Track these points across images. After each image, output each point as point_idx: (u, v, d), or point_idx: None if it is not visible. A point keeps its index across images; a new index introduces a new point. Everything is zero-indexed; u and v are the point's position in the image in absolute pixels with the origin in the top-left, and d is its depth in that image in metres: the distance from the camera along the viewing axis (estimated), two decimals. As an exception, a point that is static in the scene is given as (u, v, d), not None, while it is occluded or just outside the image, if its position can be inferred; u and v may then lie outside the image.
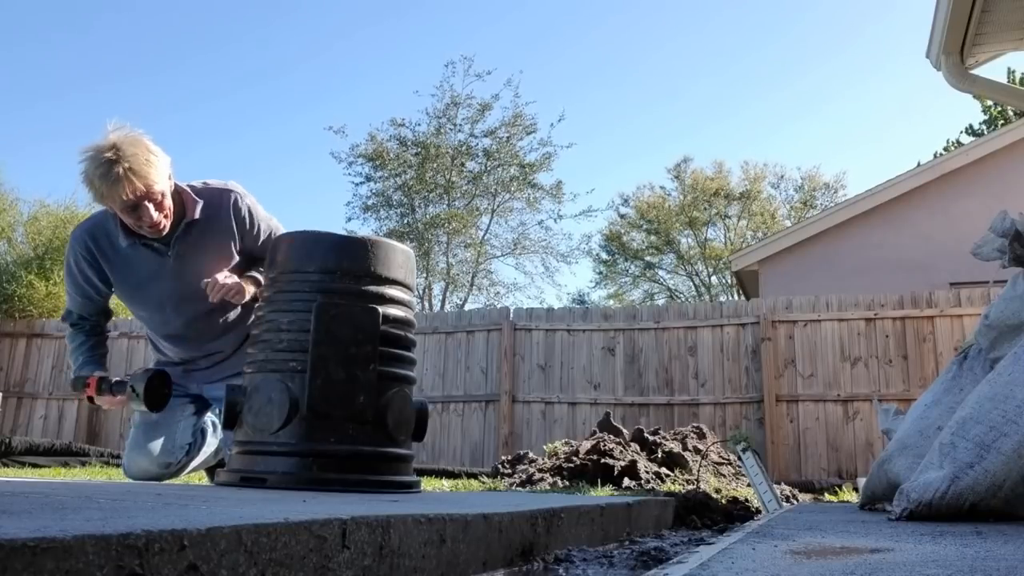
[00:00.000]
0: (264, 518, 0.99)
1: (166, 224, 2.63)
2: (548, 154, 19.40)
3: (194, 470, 3.09)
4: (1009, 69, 19.54)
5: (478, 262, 19.99)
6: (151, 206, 2.54)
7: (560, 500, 2.19)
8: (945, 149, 21.34)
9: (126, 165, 2.44)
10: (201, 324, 2.85)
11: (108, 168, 2.44)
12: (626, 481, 4.19)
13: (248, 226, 2.80)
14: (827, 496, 5.73)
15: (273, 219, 2.90)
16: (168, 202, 2.61)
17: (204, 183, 2.78)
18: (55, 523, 0.84)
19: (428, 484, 4.26)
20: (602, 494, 3.44)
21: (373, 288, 2.38)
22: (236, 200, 2.77)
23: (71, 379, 2.88)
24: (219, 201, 2.74)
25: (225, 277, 2.70)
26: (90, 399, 2.80)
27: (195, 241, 2.72)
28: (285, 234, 2.56)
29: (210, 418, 3.03)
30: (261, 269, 2.78)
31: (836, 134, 39.46)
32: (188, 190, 2.71)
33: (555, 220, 20.50)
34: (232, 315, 2.88)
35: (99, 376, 2.79)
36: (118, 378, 2.79)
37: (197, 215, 2.68)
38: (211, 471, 3.19)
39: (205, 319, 2.84)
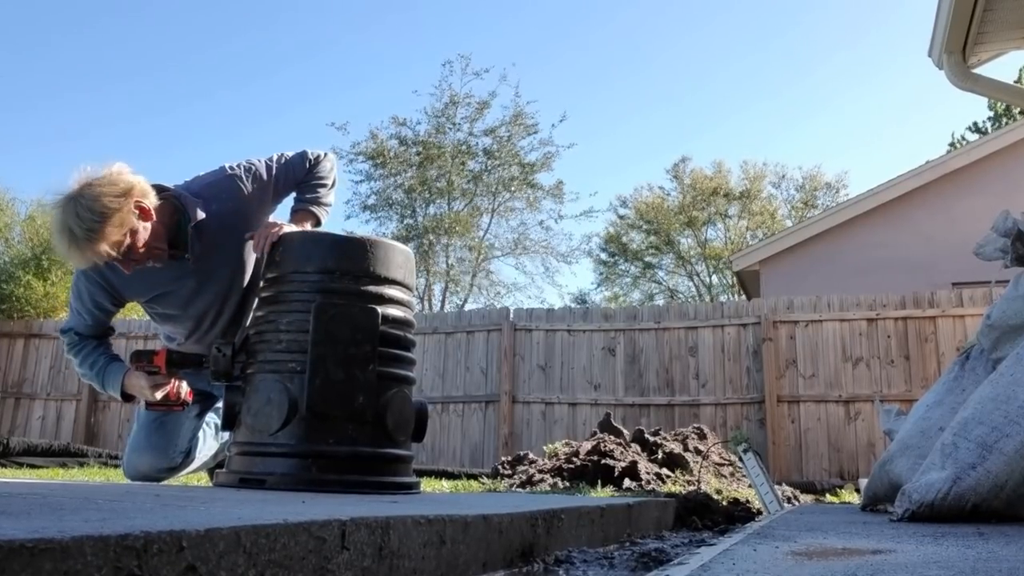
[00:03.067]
0: (263, 519, 0.99)
1: (159, 252, 2.51)
2: (549, 154, 19.39)
3: (194, 471, 3.09)
4: (1020, 69, 19.43)
5: (478, 262, 19.98)
6: (122, 257, 2.40)
7: (560, 501, 2.19)
8: (952, 145, 21.26)
9: (77, 237, 2.28)
10: (230, 317, 2.78)
11: (63, 240, 2.31)
12: (627, 482, 4.18)
13: (260, 185, 2.69)
14: (828, 497, 5.72)
15: (272, 156, 2.77)
16: (143, 236, 2.42)
17: (195, 178, 2.70)
18: (53, 524, 0.84)
19: (428, 485, 4.25)
20: (602, 495, 3.44)
21: (372, 288, 2.37)
22: (232, 177, 2.67)
23: (131, 353, 2.66)
24: (218, 190, 2.64)
25: (263, 228, 2.57)
26: (149, 372, 2.61)
27: (212, 238, 2.61)
28: (285, 234, 2.53)
29: (212, 419, 3.01)
30: (307, 196, 2.75)
31: (838, 133, 39.51)
32: (185, 193, 2.59)
33: (556, 220, 20.47)
34: None
35: (167, 348, 2.66)
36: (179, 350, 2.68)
37: (200, 216, 2.56)
38: (211, 472, 3.18)
39: (237, 311, 2.77)
